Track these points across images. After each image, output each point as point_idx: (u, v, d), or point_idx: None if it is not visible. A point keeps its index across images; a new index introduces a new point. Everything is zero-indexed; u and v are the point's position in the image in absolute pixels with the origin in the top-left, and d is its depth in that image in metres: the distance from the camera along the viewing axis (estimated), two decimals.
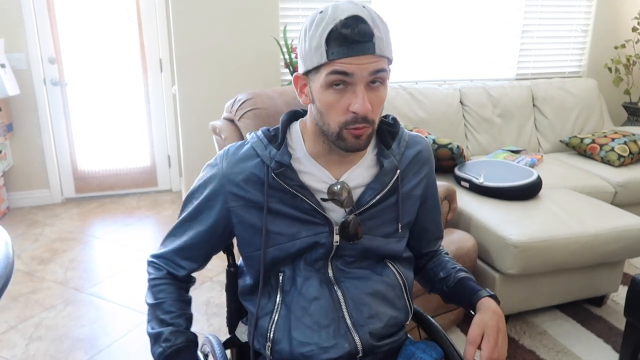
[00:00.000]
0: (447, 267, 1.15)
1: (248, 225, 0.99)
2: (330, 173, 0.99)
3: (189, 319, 1.03)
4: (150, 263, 1.08)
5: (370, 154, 1.02)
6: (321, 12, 0.87)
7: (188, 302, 1.06)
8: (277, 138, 0.99)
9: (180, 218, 1.06)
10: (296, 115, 1.04)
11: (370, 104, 0.87)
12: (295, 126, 1.02)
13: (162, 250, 1.07)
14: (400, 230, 1.04)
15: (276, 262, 1.01)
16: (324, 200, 0.98)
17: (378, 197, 1.00)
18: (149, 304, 1.03)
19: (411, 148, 1.04)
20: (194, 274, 1.10)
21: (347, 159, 0.99)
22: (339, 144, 0.92)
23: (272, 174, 0.96)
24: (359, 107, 0.86)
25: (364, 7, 0.86)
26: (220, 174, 0.99)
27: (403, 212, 1.04)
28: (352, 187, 0.99)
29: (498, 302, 1.02)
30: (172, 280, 1.05)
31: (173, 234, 1.07)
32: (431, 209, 1.13)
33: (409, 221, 1.07)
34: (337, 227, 0.99)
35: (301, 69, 0.92)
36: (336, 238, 0.99)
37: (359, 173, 1.00)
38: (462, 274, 1.11)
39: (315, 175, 0.98)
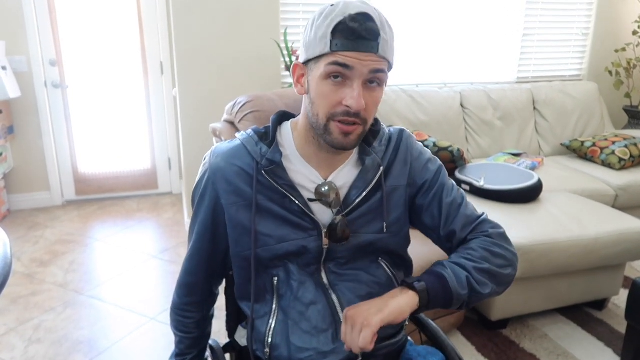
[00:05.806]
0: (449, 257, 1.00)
1: (236, 224, 0.99)
2: (318, 173, 0.99)
3: (195, 356, 1.14)
4: (175, 291, 1.12)
5: (355, 153, 1.02)
6: (332, 5, 0.88)
7: (197, 338, 1.13)
8: (268, 136, 1.00)
9: (190, 225, 1.08)
10: (286, 115, 1.05)
11: (365, 103, 0.88)
12: (286, 125, 1.02)
13: (181, 269, 1.10)
14: (385, 230, 1.02)
15: (263, 263, 1.00)
16: (311, 200, 0.97)
17: (363, 194, 0.99)
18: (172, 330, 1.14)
19: (393, 142, 1.04)
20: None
21: (336, 158, 0.99)
22: (326, 138, 0.91)
23: (263, 172, 0.96)
24: (353, 103, 0.86)
25: (375, 9, 0.88)
26: (210, 170, 1.00)
27: (389, 208, 1.02)
28: (339, 187, 0.99)
29: (429, 300, 0.89)
30: (187, 313, 1.10)
31: (188, 243, 1.09)
32: (434, 191, 1.03)
33: (397, 216, 1.03)
34: (325, 230, 0.98)
35: (302, 58, 0.93)
36: (325, 241, 0.99)
37: (345, 172, 1.00)
38: (435, 267, 0.96)
39: (304, 174, 0.99)
